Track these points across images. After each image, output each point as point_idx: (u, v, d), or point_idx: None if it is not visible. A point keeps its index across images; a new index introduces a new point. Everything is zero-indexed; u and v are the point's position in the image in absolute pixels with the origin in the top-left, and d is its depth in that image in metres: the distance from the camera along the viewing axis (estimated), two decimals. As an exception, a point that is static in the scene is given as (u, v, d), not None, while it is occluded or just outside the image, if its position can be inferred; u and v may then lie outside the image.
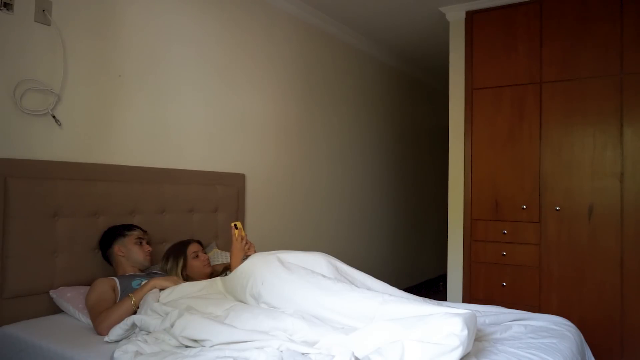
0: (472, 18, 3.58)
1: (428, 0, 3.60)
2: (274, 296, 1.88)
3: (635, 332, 2.97)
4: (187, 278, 2.26)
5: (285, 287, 1.88)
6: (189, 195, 2.77)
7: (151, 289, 1.99)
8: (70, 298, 2.06)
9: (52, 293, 2.09)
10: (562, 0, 3.25)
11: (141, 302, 1.92)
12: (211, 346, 1.55)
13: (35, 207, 2.06)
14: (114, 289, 2.05)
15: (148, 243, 2.35)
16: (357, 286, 1.92)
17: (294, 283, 1.87)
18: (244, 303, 1.95)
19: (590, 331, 2.97)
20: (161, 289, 2.02)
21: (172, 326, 1.67)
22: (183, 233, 2.69)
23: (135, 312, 1.91)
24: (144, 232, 2.35)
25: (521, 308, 3.12)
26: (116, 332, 1.74)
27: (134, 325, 1.77)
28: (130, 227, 2.30)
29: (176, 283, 2.07)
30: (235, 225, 2.32)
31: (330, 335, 1.56)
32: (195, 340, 1.60)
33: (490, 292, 3.44)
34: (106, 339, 1.75)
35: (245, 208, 3.25)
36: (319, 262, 2.06)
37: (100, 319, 1.86)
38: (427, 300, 1.99)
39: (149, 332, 1.72)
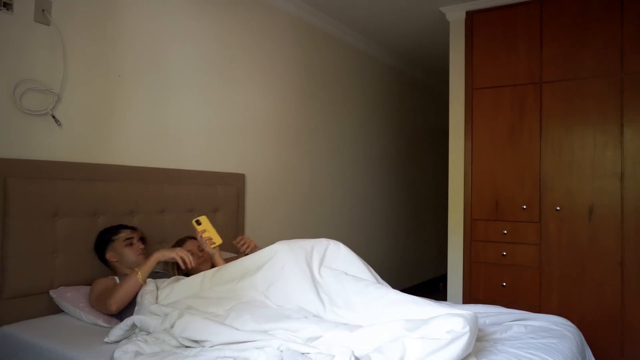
0: (472, 18, 3.58)
1: (428, 0, 3.60)
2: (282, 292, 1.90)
3: (635, 332, 2.97)
4: (187, 274, 2.25)
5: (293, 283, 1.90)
6: (189, 195, 2.76)
7: (156, 261, 2.00)
8: (70, 298, 2.05)
9: (52, 293, 2.08)
10: (562, 0, 3.25)
11: (139, 300, 1.91)
12: (211, 346, 1.55)
13: (35, 207, 2.06)
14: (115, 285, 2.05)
15: (142, 239, 2.29)
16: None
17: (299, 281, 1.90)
18: (246, 293, 1.95)
19: (591, 331, 2.97)
20: (166, 261, 2.03)
21: (172, 327, 1.66)
22: (183, 233, 2.68)
23: (118, 314, 1.91)
24: (133, 229, 2.28)
25: (521, 308, 3.12)
26: (116, 332, 1.74)
27: (134, 326, 1.76)
28: (117, 230, 2.23)
29: (178, 253, 2.03)
30: (197, 221, 2.24)
31: (334, 331, 1.56)
32: (196, 341, 1.60)
33: (491, 292, 3.44)
34: (106, 339, 1.75)
35: (245, 208, 3.25)
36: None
37: (107, 296, 1.88)
38: (431, 301, 1.98)
39: (149, 333, 1.72)
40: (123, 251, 2.18)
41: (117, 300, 1.83)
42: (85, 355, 1.64)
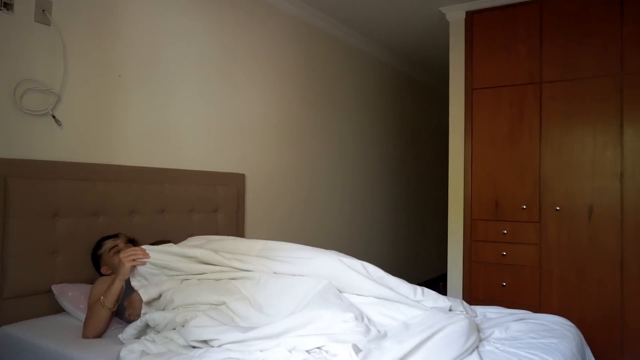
0: (472, 18, 3.58)
1: (428, 0, 3.60)
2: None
3: (635, 332, 2.97)
4: None
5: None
6: (189, 195, 2.76)
7: (120, 286, 1.87)
8: (71, 298, 2.06)
9: (54, 289, 2.08)
10: (562, 0, 3.25)
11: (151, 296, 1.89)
12: (219, 345, 1.55)
13: (35, 207, 2.06)
14: None
15: (131, 241, 2.26)
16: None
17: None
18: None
19: (590, 331, 2.97)
20: (131, 273, 1.89)
21: (182, 325, 1.67)
22: (183, 233, 2.69)
23: (116, 312, 1.88)
24: (115, 236, 2.23)
25: (521, 308, 3.11)
26: (129, 332, 1.73)
27: (147, 325, 1.75)
28: (100, 245, 2.19)
29: (125, 260, 1.86)
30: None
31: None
32: (204, 341, 1.60)
33: (490, 292, 3.44)
34: (120, 337, 1.74)
35: (246, 208, 3.25)
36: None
37: (83, 326, 1.85)
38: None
39: (157, 332, 1.72)
40: (112, 261, 2.14)
41: (91, 332, 1.80)
42: (86, 355, 1.65)
